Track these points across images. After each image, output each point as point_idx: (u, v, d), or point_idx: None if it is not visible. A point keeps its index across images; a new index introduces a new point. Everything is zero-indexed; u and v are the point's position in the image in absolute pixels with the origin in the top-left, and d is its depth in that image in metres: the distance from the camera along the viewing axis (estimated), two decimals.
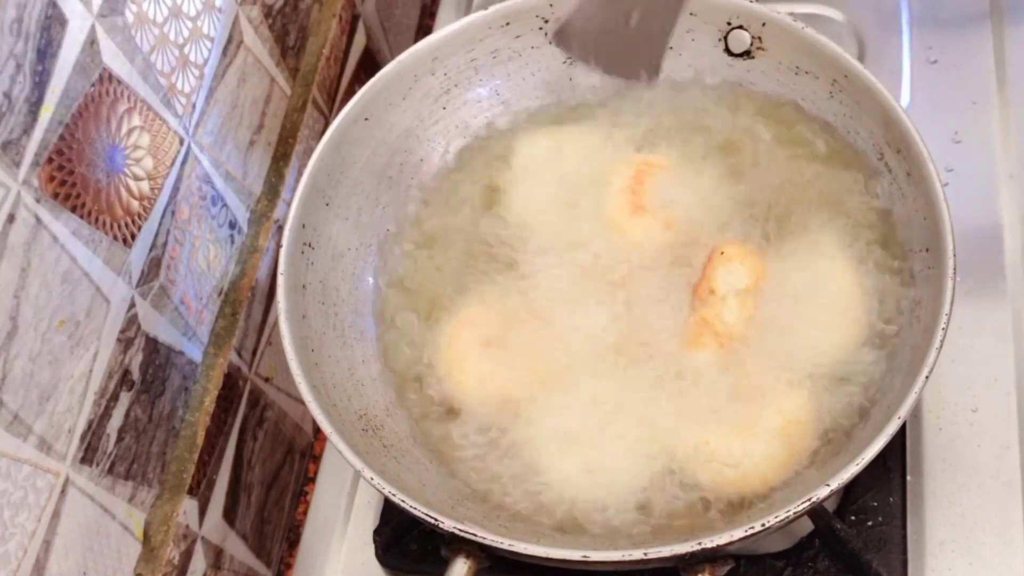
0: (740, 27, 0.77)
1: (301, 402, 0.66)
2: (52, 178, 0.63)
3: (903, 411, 0.60)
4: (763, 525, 0.58)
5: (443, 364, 0.74)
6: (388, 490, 0.62)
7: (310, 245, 0.74)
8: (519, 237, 0.77)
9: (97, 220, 0.68)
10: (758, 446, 0.66)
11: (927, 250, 0.67)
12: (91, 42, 0.66)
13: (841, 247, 0.72)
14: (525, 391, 0.71)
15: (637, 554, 0.58)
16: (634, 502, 0.67)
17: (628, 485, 0.67)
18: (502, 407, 0.71)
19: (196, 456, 0.80)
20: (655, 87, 0.81)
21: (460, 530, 0.60)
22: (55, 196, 0.63)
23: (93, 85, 0.66)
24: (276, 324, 0.70)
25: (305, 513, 0.89)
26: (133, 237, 0.72)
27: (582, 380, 0.71)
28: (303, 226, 0.73)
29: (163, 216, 0.76)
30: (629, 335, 0.72)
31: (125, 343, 0.72)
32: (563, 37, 0.70)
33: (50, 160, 0.63)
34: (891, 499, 0.73)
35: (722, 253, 0.72)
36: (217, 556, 0.84)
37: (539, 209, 0.78)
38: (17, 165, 0.60)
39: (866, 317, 0.70)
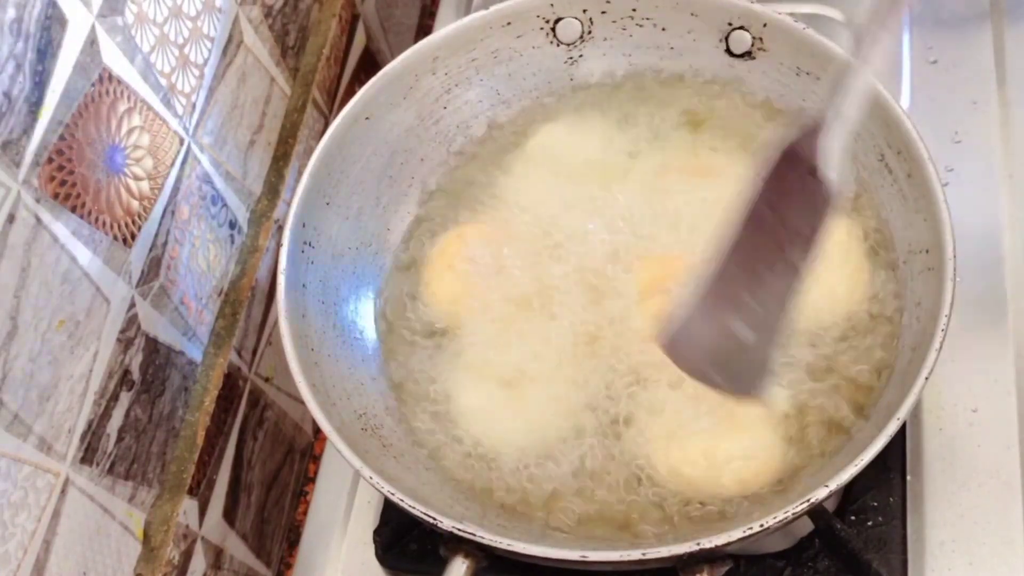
0: (741, 28, 0.77)
1: (301, 402, 0.66)
2: (52, 178, 0.63)
3: (902, 412, 0.60)
4: (762, 526, 0.58)
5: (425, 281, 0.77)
6: (387, 489, 0.62)
7: (310, 244, 0.74)
8: (520, 236, 0.78)
9: (97, 220, 0.68)
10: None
11: (927, 251, 0.67)
12: (91, 42, 0.66)
13: (844, 247, 0.73)
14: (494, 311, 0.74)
15: (635, 554, 0.59)
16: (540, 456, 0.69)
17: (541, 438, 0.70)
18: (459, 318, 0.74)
19: (196, 456, 0.80)
20: (655, 87, 0.82)
21: (459, 529, 0.61)
22: (55, 196, 0.63)
23: (93, 85, 0.66)
24: (276, 324, 0.70)
25: (305, 513, 0.89)
26: (133, 237, 0.72)
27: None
28: (303, 225, 0.73)
29: (163, 216, 0.76)
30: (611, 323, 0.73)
31: (125, 343, 0.72)
32: (675, 351, 0.63)
33: (50, 160, 0.63)
34: (891, 499, 0.73)
35: None
36: (217, 556, 0.84)
37: (541, 208, 0.79)
38: (17, 165, 0.60)
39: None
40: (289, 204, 0.74)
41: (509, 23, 0.80)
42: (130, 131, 0.71)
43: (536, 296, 0.75)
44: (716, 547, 0.58)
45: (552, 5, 0.79)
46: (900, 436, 0.76)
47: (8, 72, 0.59)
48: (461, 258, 0.76)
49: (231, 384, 0.85)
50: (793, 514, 0.59)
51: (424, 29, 1.21)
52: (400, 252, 0.80)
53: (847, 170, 0.61)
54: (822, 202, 0.60)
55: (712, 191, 0.76)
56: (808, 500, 0.59)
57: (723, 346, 0.62)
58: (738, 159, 0.78)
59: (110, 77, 0.68)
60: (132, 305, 0.72)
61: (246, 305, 0.87)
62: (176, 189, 0.77)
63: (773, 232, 0.60)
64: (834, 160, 0.60)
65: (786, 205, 0.60)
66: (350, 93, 0.89)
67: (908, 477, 0.75)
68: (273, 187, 0.91)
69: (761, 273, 0.61)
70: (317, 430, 1.00)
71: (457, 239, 0.78)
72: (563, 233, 0.77)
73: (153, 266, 0.75)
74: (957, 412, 0.77)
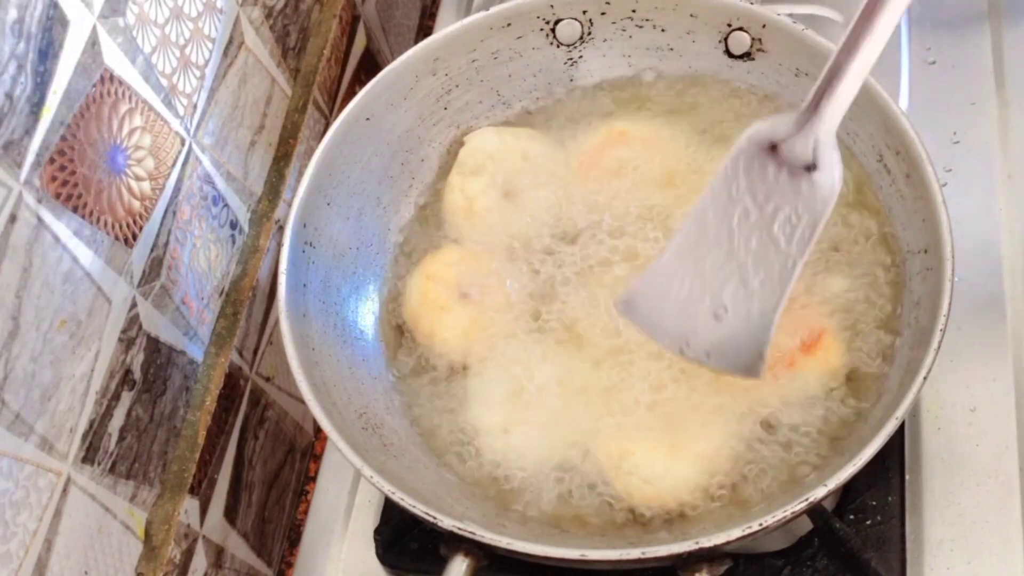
0: (740, 29, 0.78)
1: (302, 401, 0.66)
2: (54, 178, 0.63)
3: (901, 412, 0.60)
4: (760, 525, 0.58)
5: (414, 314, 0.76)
6: (387, 488, 0.62)
7: (311, 244, 0.74)
8: (520, 235, 0.78)
9: (99, 220, 0.68)
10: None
11: (926, 251, 0.67)
12: (92, 43, 0.66)
13: (842, 246, 0.73)
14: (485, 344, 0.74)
15: (635, 553, 0.59)
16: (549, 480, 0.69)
17: (541, 461, 0.69)
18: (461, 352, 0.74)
19: (197, 455, 0.80)
20: (654, 88, 0.82)
21: (459, 528, 0.61)
22: (57, 196, 0.64)
23: (94, 86, 0.67)
24: (277, 324, 0.70)
25: (306, 512, 0.89)
26: (135, 237, 0.72)
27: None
28: (304, 225, 0.74)
29: (164, 216, 0.76)
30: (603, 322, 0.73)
31: (126, 343, 0.72)
32: (630, 309, 0.65)
33: (52, 160, 0.63)
34: (890, 498, 0.73)
35: None
36: (218, 555, 0.84)
37: (542, 209, 0.79)
38: (19, 166, 0.60)
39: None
40: (290, 204, 0.74)
41: (509, 24, 0.80)
42: (131, 132, 0.71)
43: (538, 302, 0.75)
44: (715, 546, 0.59)
45: (552, 6, 0.80)
46: (899, 435, 0.76)
47: (10, 73, 0.59)
48: (458, 283, 0.76)
49: (232, 383, 0.85)
50: (792, 513, 0.59)
51: (424, 30, 1.21)
52: (401, 254, 0.80)
53: (840, 160, 0.62)
54: (821, 198, 0.61)
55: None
56: (807, 499, 0.59)
57: (706, 324, 0.64)
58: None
59: (111, 78, 0.68)
60: (133, 305, 0.73)
61: (247, 305, 0.87)
62: (177, 189, 0.77)
63: (762, 225, 0.62)
64: (829, 152, 0.60)
65: (773, 200, 0.61)
66: (351, 94, 0.90)
67: (907, 476, 0.75)
68: (274, 187, 0.91)
69: (748, 261, 0.62)
70: (318, 429, 1.00)
71: (446, 267, 0.77)
72: (566, 237, 0.77)
73: (154, 266, 0.75)
74: (956, 411, 0.77)
